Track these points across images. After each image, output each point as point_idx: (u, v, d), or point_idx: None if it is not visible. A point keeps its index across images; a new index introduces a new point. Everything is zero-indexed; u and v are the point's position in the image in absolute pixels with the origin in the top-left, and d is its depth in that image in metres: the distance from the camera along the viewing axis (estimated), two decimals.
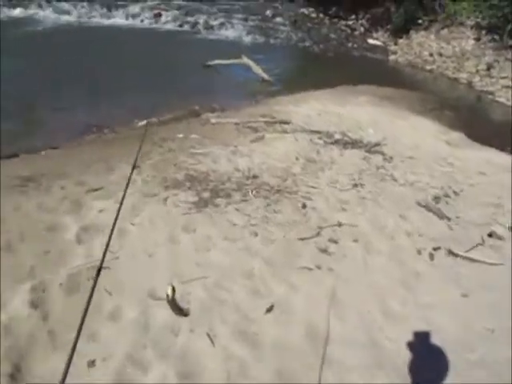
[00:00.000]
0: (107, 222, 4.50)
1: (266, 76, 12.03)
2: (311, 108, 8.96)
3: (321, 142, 7.13)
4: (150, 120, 8.13)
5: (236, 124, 7.93)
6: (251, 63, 12.54)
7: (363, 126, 8.03)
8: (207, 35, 17.39)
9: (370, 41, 18.17)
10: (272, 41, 17.39)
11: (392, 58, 16.31)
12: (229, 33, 17.89)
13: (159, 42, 15.74)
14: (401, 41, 17.70)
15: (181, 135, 7.42)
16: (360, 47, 17.43)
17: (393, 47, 17.43)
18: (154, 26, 18.30)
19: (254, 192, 5.31)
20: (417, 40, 17.30)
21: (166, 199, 5.10)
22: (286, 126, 7.75)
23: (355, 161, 6.55)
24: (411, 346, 3.43)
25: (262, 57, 14.54)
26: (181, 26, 18.23)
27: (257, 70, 12.33)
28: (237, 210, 4.99)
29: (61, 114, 8.26)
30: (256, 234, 4.54)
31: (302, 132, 7.52)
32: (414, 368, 3.23)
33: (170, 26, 18.13)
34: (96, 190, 5.35)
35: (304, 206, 5.15)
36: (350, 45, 17.60)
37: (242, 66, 12.83)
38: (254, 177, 5.75)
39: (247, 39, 17.23)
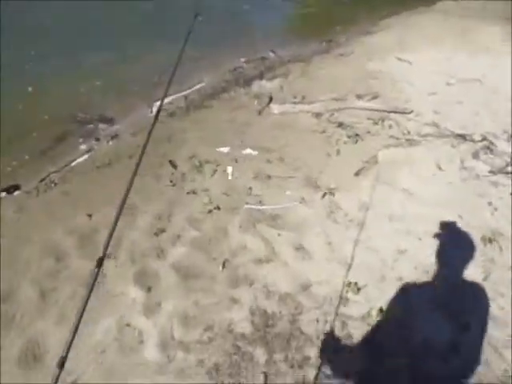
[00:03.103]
0: None
1: None
2: (428, 64, 5.06)
3: (484, 171, 3.54)
4: (163, 104, 4.70)
5: (317, 116, 4.29)
6: None
7: None
8: None
9: None
10: None
11: None
12: None
13: None
14: None
15: (226, 149, 3.93)
16: None
17: None
18: None
19: None
20: None
21: None
22: (407, 125, 4.07)
23: None
24: None
25: None
26: None
27: None
28: None
29: None
30: None
31: (439, 138, 3.88)
32: None
33: None
34: None
35: None
36: None
37: None
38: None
39: None
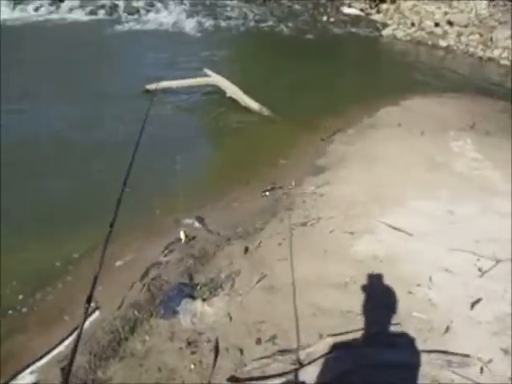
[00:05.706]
0: None
1: (256, 106, 5.91)
2: (431, 230, 3.24)
3: None
4: None
5: None
6: (225, 83, 6.26)
7: None
8: (132, 25, 10.42)
9: (346, 9, 12.08)
10: (223, 23, 10.83)
11: (386, 32, 10.47)
12: (162, 17, 10.98)
13: (60, 43, 8.65)
14: (384, 6, 11.81)
15: None
16: (338, 20, 11.30)
17: (377, 16, 11.54)
18: (54, 16, 10.95)
19: None
20: (406, 4, 11.46)
21: None
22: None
23: None
24: None
25: (220, 52, 8.50)
26: (92, 13, 11.03)
27: (236, 93, 6.15)
28: None
29: None
30: None
31: None
32: None
33: (77, 15, 10.86)
34: None
35: None
36: (323, 18, 11.43)
37: (203, 87, 6.56)
38: None
39: (190, 25, 10.52)
